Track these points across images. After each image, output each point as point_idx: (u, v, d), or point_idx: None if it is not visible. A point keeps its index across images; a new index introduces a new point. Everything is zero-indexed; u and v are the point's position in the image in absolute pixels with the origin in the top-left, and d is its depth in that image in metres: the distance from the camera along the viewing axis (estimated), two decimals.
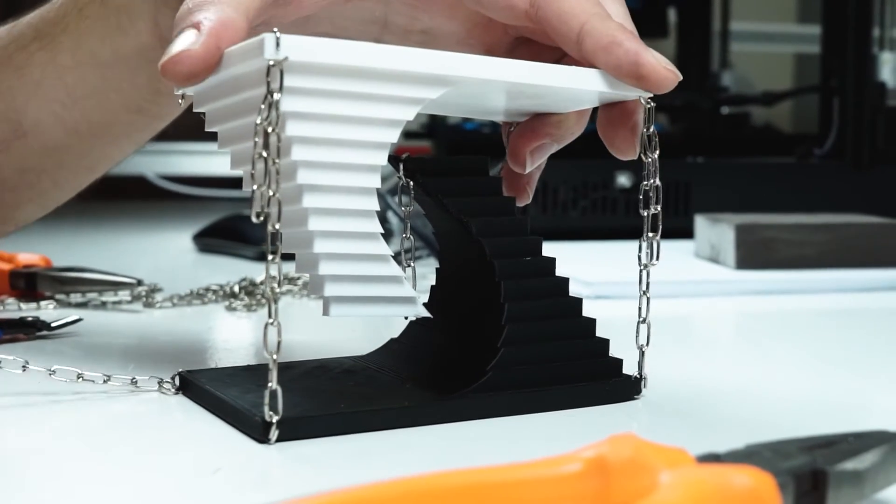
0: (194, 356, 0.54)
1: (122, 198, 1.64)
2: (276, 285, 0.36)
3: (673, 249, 0.95)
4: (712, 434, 0.39)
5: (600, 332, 0.45)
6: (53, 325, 0.55)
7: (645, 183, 0.43)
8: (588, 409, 0.43)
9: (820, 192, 1.14)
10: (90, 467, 0.35)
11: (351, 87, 0.37)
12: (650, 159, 0.43)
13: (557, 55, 0.45)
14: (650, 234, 0.43)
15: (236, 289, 0.71)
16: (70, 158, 0.59)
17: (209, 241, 1.03)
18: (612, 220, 1.09)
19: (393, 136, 0.39)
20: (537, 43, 0.46)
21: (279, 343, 0.36)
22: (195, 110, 0.42)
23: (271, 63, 0.35)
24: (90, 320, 0.60)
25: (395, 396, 0.41)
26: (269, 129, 0.35)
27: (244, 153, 0.40)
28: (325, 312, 0.40)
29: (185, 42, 0.38)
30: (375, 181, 0.39)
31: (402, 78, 0.38)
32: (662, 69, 0.41)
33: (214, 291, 0.71)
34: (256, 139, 0.35)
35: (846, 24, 1.16)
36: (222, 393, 0.40)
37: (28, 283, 0.68)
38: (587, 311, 0.44)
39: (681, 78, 0.41)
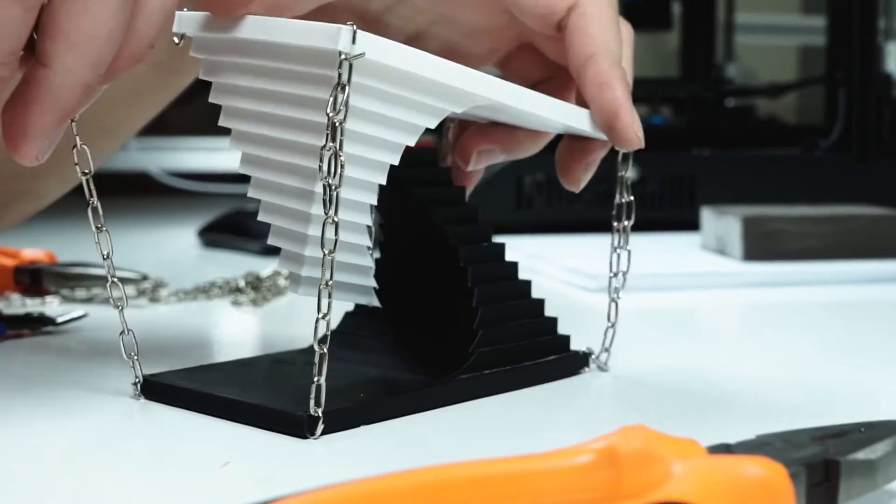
0: (201, 351, 0.54)
1: (126, 193, 1.63)
2: (329, 278, 0.36)
3: (679, 242, 0.95)
4: (722, 425, 0.39)
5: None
6: (59, 320, 0.55)
7: (617, 224, 0.47)
8: (587, 398, 0.43)
9: (825, 183, 1.14)
10: (100, 470, 0.35)
11: (395, 89, 0.38)
12: (624, 201, 0.46)
13: (548, 72, 0.48)
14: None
15: (241, 283, 0.71)
16: (87, 118, 0.58)
17: (214, 236, 1.03)
18: None
19: (412, 139, 0.40)
20: (532, 51, 0.48)
21: (327, 336, 0.36)
22: (202, 76, 0.41)
23: (344, 56, 0.35)
24: (95, 316, 0.59)
25: (396, 384, 0.42)
26: (337, 123, 0.35)
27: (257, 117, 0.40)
28: (295, 290, 0.41)
29: None
30: (383, 178, 0.40)
31: (442, 91, 0.39)
32: (633, 133, 0.43)
33: (220, 287, 0.71)
34: (327, 131, 0.35)
35: (851, 15, 1.16)
36: (223, 393, 0.39)
37: (32, 279, 0.68)
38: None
39: (643, 146, 0.44)
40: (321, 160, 0.36)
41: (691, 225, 0.96)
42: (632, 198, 0.46)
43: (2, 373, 0.47)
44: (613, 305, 0.47)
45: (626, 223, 0.46)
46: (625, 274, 0.47)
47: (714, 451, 0.28)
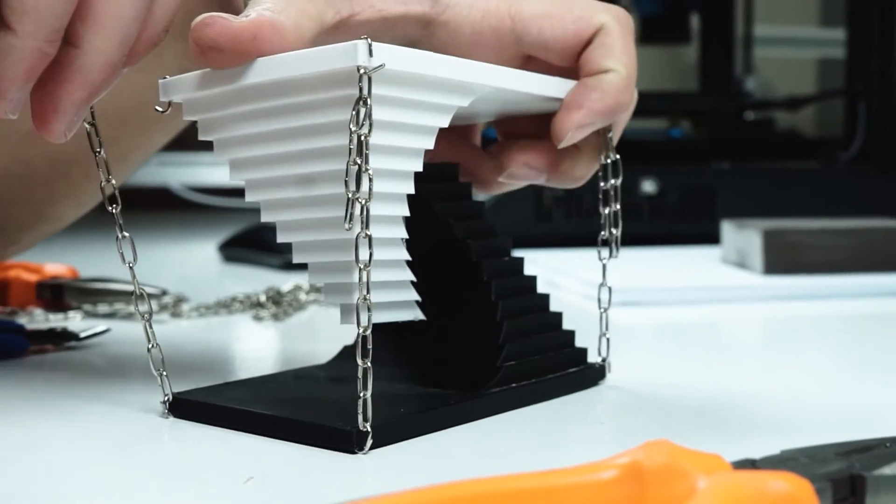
0: (224, 367, 0.54)
1: (147, 208, 1.64)
2: (368, 294, 0.36)
3: (699, 255, 0.95)
4: (746, 440, 0.39)
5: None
6: (82, 335, 0.56)
7: (603, 184, 0.46)
8: (610, 412, 0.43)
9: (846, 196, 1.14)
10: (133, 488, 0.35)
11: (410, 94, 0.38)
12: (611, 160, 0.46)
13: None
14: (613, 231, 0.46)
15: (262, 298, 0.71)
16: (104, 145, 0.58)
17: (234, 250, 1.04)
18: (637, 226, 1.08)
19: (430, 142, 0.40)
20: None
21: (370, 350, 0.35)
22: (201, 137, 0.41)
23: (363, 70, 0.35)
24: (118, 331, 0.60)
25: (432, 399, 0.41)
26: (362, 138, 0.35)
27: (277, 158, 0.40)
28: (349, 321, 0.39)
29: (227, 14, 0.38)
30: (410, 187, 0.40)
31: (450, 86, 0.39)
32: (567, 131, 0.43)
33: (241, 301, 0.71)
34: (351, 146, 0.35)
35: (870, 27, 1.15)
36: (262, 409, 0.39)
37: (54, 294, 0.68)
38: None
39: (559, 145, 0.44)
40: (347, 176, 0.35)
41: (711, 238, 0.96)
42: (618, 157, 0.46)
43: (26, 388, 0.47)
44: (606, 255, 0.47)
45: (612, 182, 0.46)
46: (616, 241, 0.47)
47: (739, 467, 0.28)
